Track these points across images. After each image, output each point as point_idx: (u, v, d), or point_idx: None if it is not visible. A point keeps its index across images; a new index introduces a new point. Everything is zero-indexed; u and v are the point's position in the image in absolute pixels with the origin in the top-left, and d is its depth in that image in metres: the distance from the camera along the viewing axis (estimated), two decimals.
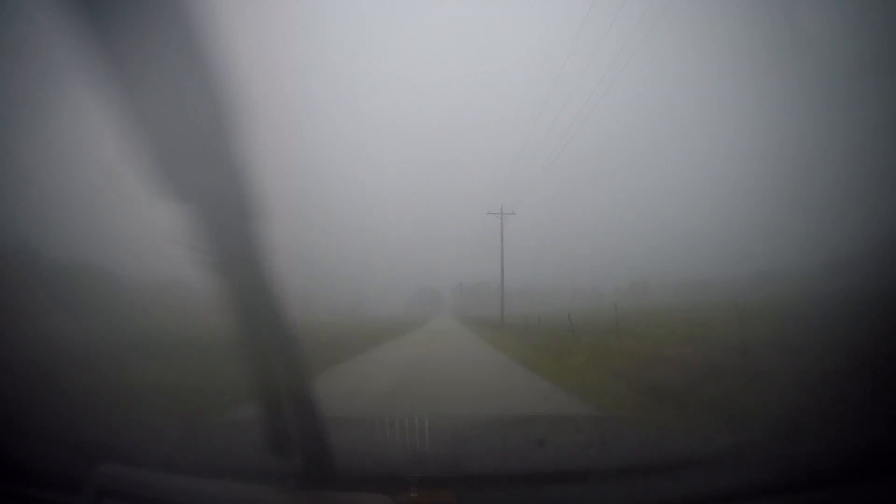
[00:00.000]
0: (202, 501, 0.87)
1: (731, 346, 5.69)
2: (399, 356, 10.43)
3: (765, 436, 1.45)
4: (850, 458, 0.97)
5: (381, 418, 2.17)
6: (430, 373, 7.41)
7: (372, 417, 2.53)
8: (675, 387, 4.51)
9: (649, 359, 6.58)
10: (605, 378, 5.77)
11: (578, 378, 5.94)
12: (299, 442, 0.86)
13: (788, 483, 0.93)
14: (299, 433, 0.86)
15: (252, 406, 0.87)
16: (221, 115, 0.65)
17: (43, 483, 0.99)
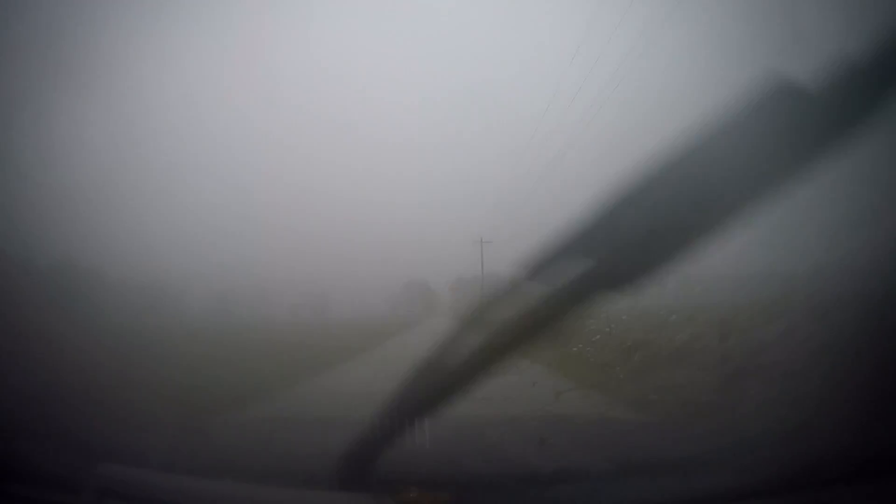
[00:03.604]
0: (202, 501, 0.87)
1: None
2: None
3: (765, 436, 1.45)
4: (850, 458, 0.97)
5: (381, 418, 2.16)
6: None
7: (372, 418, 2.52)
8: None
9: None
10: None
11: None
12: (299, 442, 0.86)
13: (788, 483, 0.93)
14: (299, 433, 0.86)
15: (251, 406, 0.87)
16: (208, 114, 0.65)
17: (43, 483, 0.99)
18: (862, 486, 0.89)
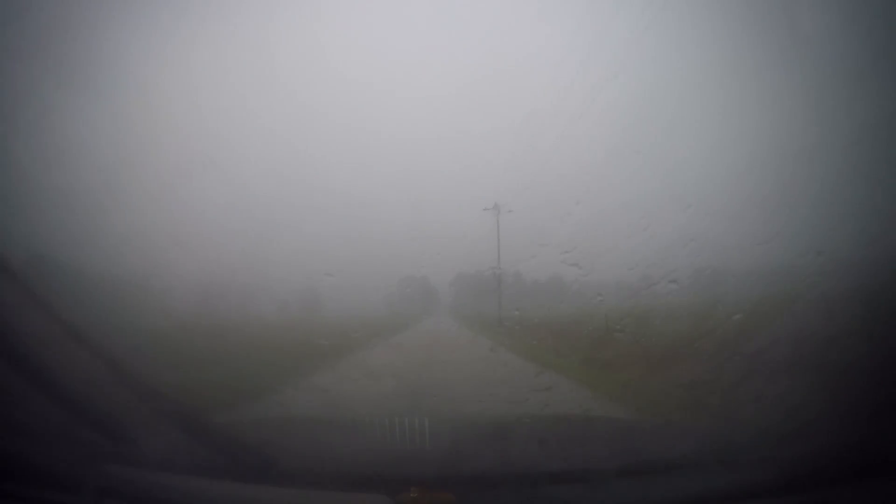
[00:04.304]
0: (202, 501, 0.87)
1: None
2: None
3: (765, 436, 1.45)
4: (850, 458, 0.97)
5: (381, 419, 2.17)
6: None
7: (372, 418, 2.52)
8: None
9: None
10: None
11: None
12: (300, 442, 0.86)
13: (788, 483, 0.93)
14: (299, 433, 0.86)
15: (252, 406, 0.86)
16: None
17: (43, 483, 0.99)
18: (862, 486, 0.89)
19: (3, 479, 0.99)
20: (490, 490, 0.99)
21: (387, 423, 1.77)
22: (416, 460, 1.28)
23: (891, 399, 1.36)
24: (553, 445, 1.42)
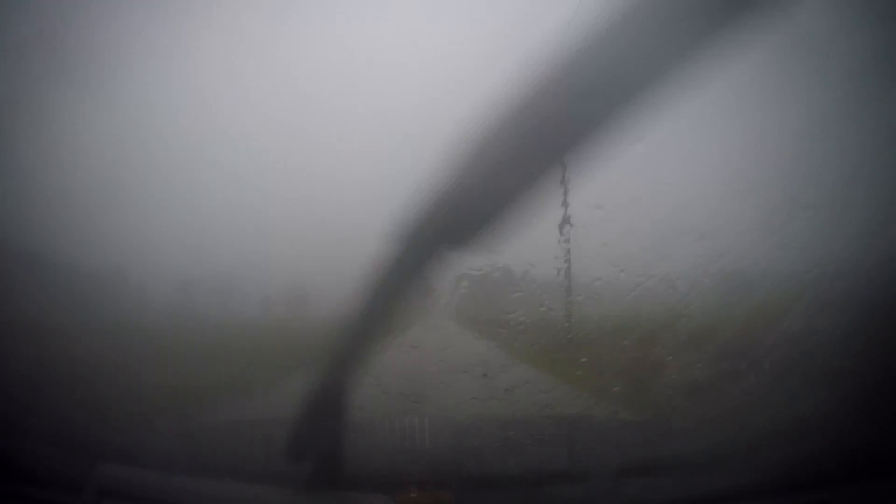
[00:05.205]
0: (202, 501, 0.87)
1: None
2: None
3: (765, 436, 1.46)
4: (850, 458, 0.97)
5: (381, 419, 2.17)
6: None
7: (372, 418, 2.52)
8: None
9: None
10: None
11: None
12: (300, 442, 0.86)
13: (788, 483, 0.93)
14: (299, 433, 0.86)
15: (251, 406, 0.86)
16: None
17: (43, 483, 0.99)
18: (862, 486, 0.89)
19: (3, 479, 0.99)
20: (490, 490, 0.99)
21: (387, 423, 1.77)
22: (416, 460, 1.28)
23: (891, 399, 1.36)
24: (553, 445, 1.42)
